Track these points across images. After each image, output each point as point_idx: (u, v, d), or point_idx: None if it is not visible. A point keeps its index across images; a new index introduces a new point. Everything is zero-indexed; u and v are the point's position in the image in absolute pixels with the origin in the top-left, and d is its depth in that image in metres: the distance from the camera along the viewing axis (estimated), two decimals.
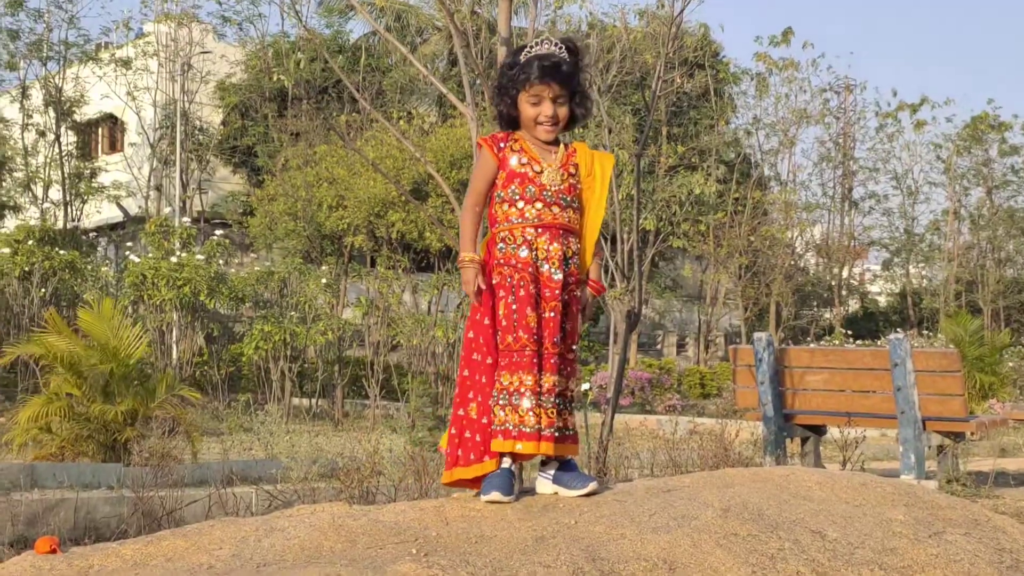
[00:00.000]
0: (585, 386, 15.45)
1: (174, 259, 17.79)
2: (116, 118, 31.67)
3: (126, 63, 28.42)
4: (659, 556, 3.44)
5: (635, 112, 23.26)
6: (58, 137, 27.95)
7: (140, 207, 29.55)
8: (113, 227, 30.65)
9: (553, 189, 3.73)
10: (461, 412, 3.80)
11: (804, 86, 31.06)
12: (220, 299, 18.04)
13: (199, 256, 18.27)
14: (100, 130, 33.08)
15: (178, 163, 28.47)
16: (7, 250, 16.88)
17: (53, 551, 3.58)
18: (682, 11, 8.69)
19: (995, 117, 34.62)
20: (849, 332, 30.09)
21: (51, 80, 27.75)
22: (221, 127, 31.10)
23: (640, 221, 18.72)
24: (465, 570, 3.10)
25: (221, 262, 19.58)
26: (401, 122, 23.31)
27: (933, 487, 7.14)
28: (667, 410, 19.82)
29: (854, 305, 36.60)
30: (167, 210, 28.16)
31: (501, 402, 3.61)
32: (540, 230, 3.70)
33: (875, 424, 9.66)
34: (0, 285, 15.64)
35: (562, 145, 3.87)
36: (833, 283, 34.20)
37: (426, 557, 3.14)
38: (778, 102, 31.09)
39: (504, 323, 3.62)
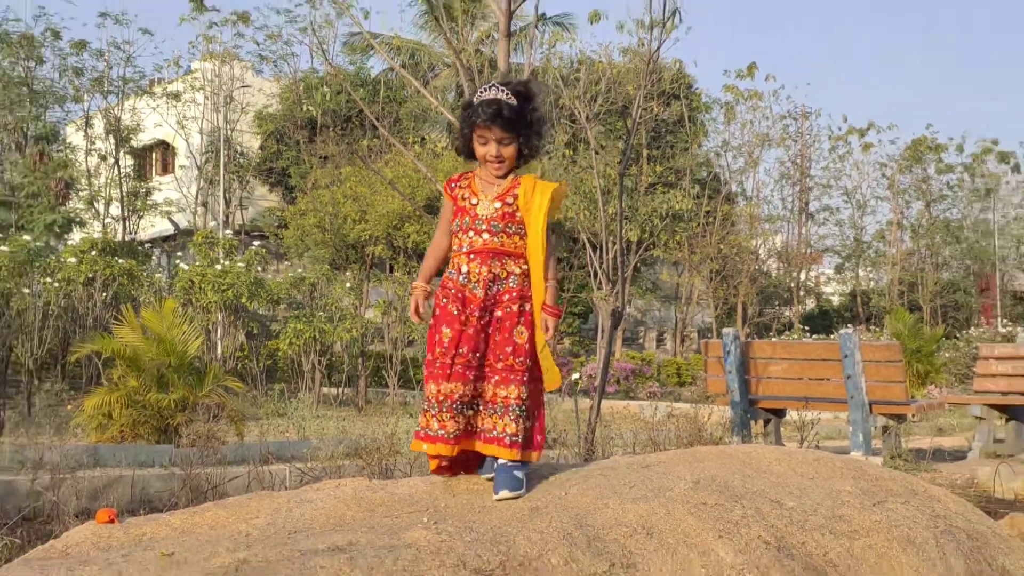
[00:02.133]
0: (575, 376, 15.45)
1: (218, 266, 17.79)
2: (167, 144, 31.69)
3: (176, 96, 28.44)
4: (638, 523, 3.44)
5: (619, 137, 23.25)
6: (117, 161, 27.96)
7: (188, 221, 29.57)
8: (165, 239, 30.66)
9: (484, 217, 3.60)
10: None
11: (766, 113, 31.26)
12: (259, 301, 18.04)
13: (240, 264, 18.28)
14: (153, 154, 33.10)
15: (222, 183, 28.50)
16: (73, 259, 16.87)
17: (111, 521, 3.58)
18: (658, 49, 8.64)
19: (933, 140, 34.69)
20: (806, 327, 30.11)
21: (111, 111, 27.77)
22: (259, 151, 31.11)
23: (624, 232, 18.69)
24: (469, 535, 3.10)
25: (259, 269, 19.59)
26: (415, 146, 23.27)
27: (878, 462, 7.15)
28: (648, 396, 19.79)
29: (810, 304, 36.58)
30: (212, 224, 28.20)
31: (423, 407, 3.55)
32: (472, 256, 3.59)
33: (828, 408, 9.65)
34: (67, 290, 15.62)
35: (509, 178, 3.71)
36: (792, 285, 34.21)
37: (435, 524, 3.14)
38: (744, 127, 31.24)
39: (437, 337, 3.53)
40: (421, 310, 3.69)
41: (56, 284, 15.65)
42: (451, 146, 4.89)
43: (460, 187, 3.71)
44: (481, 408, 3.57)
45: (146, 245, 29.43)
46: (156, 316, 9.58)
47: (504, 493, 3.52)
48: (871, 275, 37.35)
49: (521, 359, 3.54)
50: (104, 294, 16.01)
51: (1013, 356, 9.68)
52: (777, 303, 34.89)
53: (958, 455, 9.63)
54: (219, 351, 17.17)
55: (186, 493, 5.76)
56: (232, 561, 3.07)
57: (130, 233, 28.04)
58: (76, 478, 5.80)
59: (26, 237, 18.23)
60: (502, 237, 3.59)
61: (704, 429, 8.20)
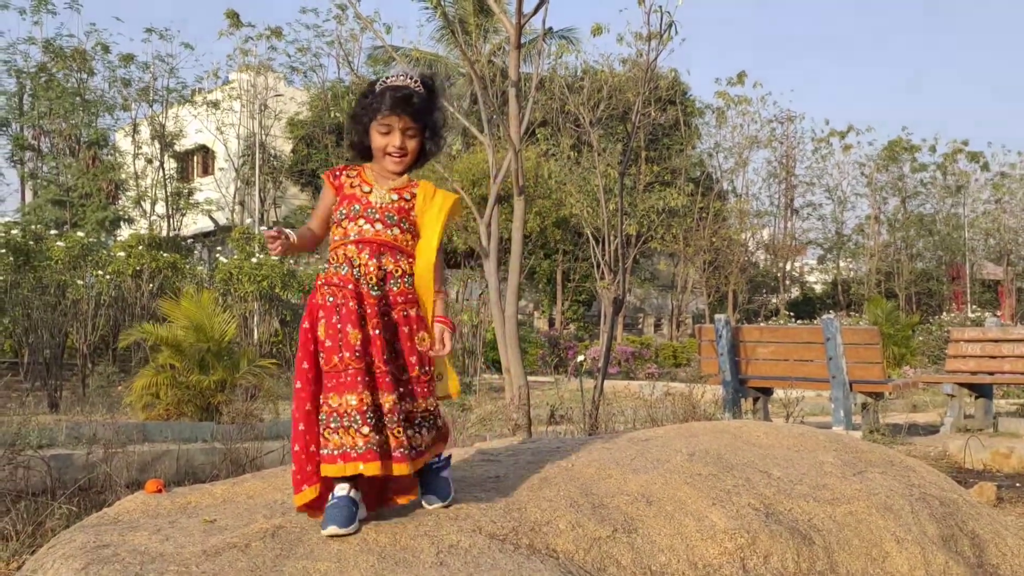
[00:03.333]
0: (580, 358, 15.45)
1: (254, 260, 17.84)
2: (207, 148, 31.72)
3: (215, 104, 28.48)
4: (638, 491, 3.45)
5: (619, 140, 23.21)
6: (162, 164, 28.04)
7: (227, 218, 29.61)
8: (206, 235, 30.73)
9: (378, 206, 2.99)
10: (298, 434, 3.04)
11: (755, 118, 31.23)
12: (291, 291, 18.08)
13: (274, 257, 18.32)
14: (195, 158, 33.14)
15: (257, 183, 28.53)
16: (122, 254, 16.93)
17: (159, 491, 3.60)
18: (655, 59, 8.65)
19: (908, 141, 34.62)
20: (791, 313, 30.07)
21: (156, 119, 27.84)
22: (291, 154, 31.12)
23: (624, 227, 18.65)
24: (484, 504, 3.12)
25: (292, 262, 19.63)
26: None
27: (858, 436, 7.13)
28: (646, 377, 19.77)
29: (795, 292, 36.47)
30: (248, 221, 28.23)
31: (332, 425, 2.84)
32: (361, 246, 2.94)
33: (812, 387, 9.64)
34: (117, 282, 15.68)
35: (405, 177, 3.13)
36: (778, 274, 34.13)
37: (454, 492, 3.16)
38: (734, 131, 31.28)
39: (328, 343, 2.84)
40: (279, 234, 2.92)
41: (107, 276, 15.72)
42: (346, 142, 4.44)
43: (348, 176, 3.10)
44: (387, 422, 2.86)
45: (188, 240, 29.50)
46: (195, 305, 9.60)
47: (436, 504, 3.07)
48: (851, 265, 37.27)
49: (427, 368, 2.95)
50: (151, 285, 16.07)
51: (981, 339, 9.65)
52: (765, 291, 34.84)
53: (931, 430, 9.61)
54: (256, 336, 17.21)
55: (226, 466, 5.79)
56: (269, 527, 3.09)
57: (174, 229, 28.12)
58: (127, 452, 5.83)
59: (79, 234, 18.30)
60: (395, 231, 3.01)
61: (698, 406, 8.20)
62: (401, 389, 2.87)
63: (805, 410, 10.01)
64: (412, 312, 2.95)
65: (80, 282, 15.01)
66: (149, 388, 9.19)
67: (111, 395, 11.38)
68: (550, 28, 27.89)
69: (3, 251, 14.44)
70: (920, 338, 21.59)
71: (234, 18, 27.82)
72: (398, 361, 2.90)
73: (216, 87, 29.72)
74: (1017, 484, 6.55)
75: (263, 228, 23.77)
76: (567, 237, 26.52)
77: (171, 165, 29.50)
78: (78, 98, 26.86)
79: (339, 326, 2.83)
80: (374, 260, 2.92)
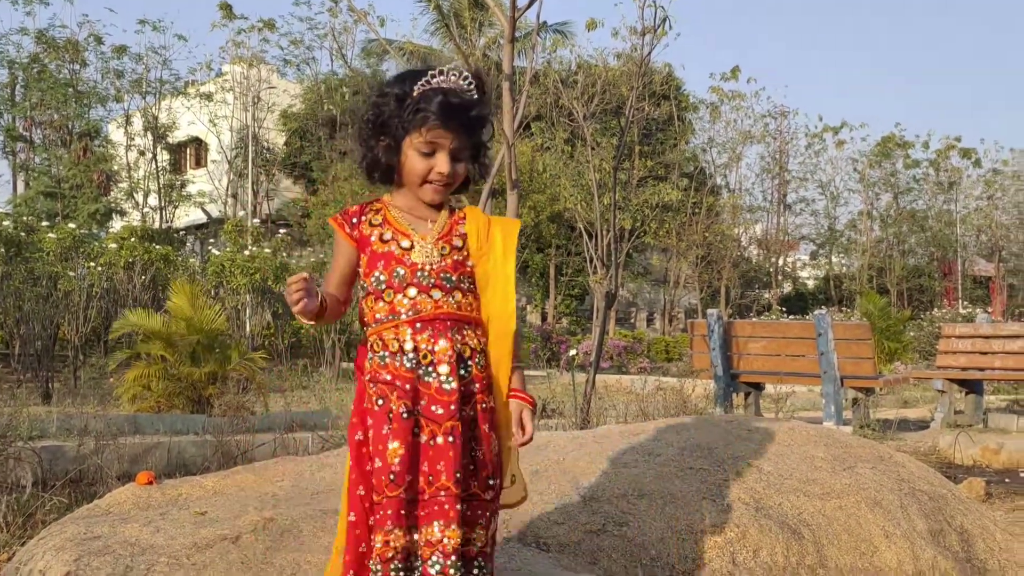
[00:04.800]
0: (572, 352, 15.45)
1: (247, 252, 17.81)
2: (200, 140, 31.63)
3: (208, 97, 28.38)
4: (629, 485, 3.46)
5: (613, 134, 23.21)
6: (155, 155, 27.95)
7: (220, 211, 29.52)
8: (198, 227, 30.66)
9: (429, 268, 2.18)
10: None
11: (748, 113, 31.30)
12: (284, 284, 18.07)
13: (267, 250, 18.31)
14: (188, 150, 33.04)
15: (250, 176, 28.46)
16: (114, 245, 16.89)
17: (150, 483, 3.60)
18: (649, 53, 8.64)
19: (901, 137, 34.65)
20: (783, 309, 30.07)
21: (149, 110, 27.75)
22: (284, 147, 31.06)
23: (618, 221, 18.67)
24: None
25: (284, 254, 19.60)
26: None
27: (848, 431, 7.15)
28: (638, 371, 19.76)
29: (787, 287, 36.49)
30: (241, 213, 28.14)
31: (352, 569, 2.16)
32: (420, 326, 2.16)
33: (803, 382, 9.66)
34: (109, 273, 15.64)
35: (445, 209, 2.30)
36: (771, 270, 34.16)
37: None
38: (727, 126, 31.34)
39: (379, 463, 2.11)
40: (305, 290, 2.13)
41: (99, 268, 15.67)
42: (357, 161, 2.38)
43: (370, 222, 2.28)
44: (459, 562, 2.10)
45: (181, 233, 29.41)
46: (185, 298, 9.58)
47: None
48: (843, 261, 37.32)
49: (495, 481, 2.19)
50: (143, 277, 16.02)
51: (972, 335, 9.68)
52: (757, 286, 34.88)
53: (921, 425, 9.64)
54: (248, 329, 17.18)
55: (218, 458, 5.78)
56: (260, 519, 3.09)
57: (166, 222, 28.03)
58: (118, 444, 5.82)
59: (71, 225, 18.25)
60: (457, 296, 2.21)
61: (689, 401, 8.22)
62: (470, 516, 2.13)
63: (796, 405, 10.03)
64: (489, 404, 2.20)
65: (72, 273, 14.97)
66: (141, 379, 9.16)
67: (102, 387, 11.36)
68: (544, 22, 27.84)
69: None
70: (911, 334, 21.63)
71: (227, 10, 27.75)
72: (476, 475, 2.15)
73: (209, 79, 29.64)
74: (1006, 480, 6.57)
75: (255, 221, 23.74)
76: (561, 231, 26.50)
77: (164, 157, 29.40)
78: (70, 89, 26.75)
79: (377, 440, 2.13)
80: (444, 342, 2.15)
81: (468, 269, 2.23)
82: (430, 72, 2.19)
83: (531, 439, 2.25)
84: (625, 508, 3.31)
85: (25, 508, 3.66)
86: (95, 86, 27.86)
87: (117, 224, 25.28)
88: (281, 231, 23.25)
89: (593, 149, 15.80)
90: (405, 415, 2.10)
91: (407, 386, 2.12)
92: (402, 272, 2.18)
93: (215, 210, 29.90)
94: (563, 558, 3.10)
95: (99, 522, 3.20)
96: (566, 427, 7.48)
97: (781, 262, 35.44)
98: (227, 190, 29.53)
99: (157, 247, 17.59)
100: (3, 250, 14.50)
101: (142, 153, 27.96)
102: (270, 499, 3.33)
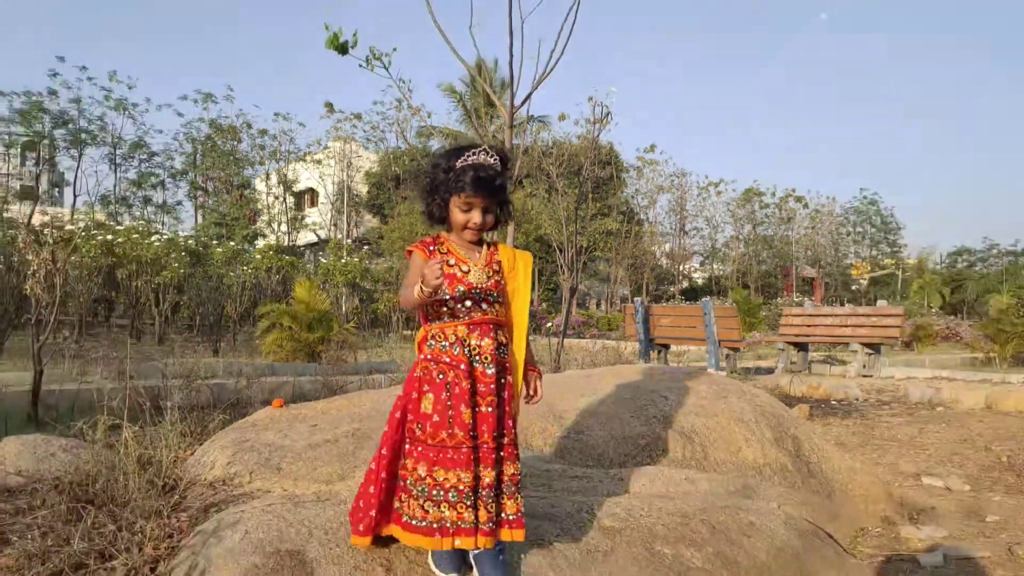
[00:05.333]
0: (548, 325, 15.40)
1: (343, 260, 17.76)
2: (314, 189, 31.47)
3: (318, 162, 28.29)
4: (585, 408, 3.45)
5: (575, 186, 23.18)
6: (285, 199, 27.86)
7: (326, 234, 29.42)
8: (312, 245, 30.56)
9: (481, 287, 2.10)
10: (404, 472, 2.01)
11: (660, 173, 31.32)
12: (367, 281, 18.01)
13: (355, 259, 18.26)
14: (306, 196, 32.88)
15: (345, 212, 28.37)
16: (259, 256, 16.84)
17: (281, 406, 3.59)
18: (598, 135, 8.63)
19: (757, 189, 34.74)
20: (683, 297, 30.07)
21: (281, 171, 27.69)
22: (367, 194, 30.98)
23: (578, 242, 18.58)
24: None
25: (366, 262, 19.56)
26: None
27: (723, 375, 7.16)
28: (591, 337, 19.72)
29: (685, 284, 36.44)
30: (339, 236, 28.08)
31: (435, 497, 1.94)
32: (471, 327, 2.06)
33: (695, 343, 9.67)
34: (255, 274, 15.58)
35: (485, 246, 2.21)
36: (675, 272, 34.16)
37: None
38: (647, 182, 31.35)
39: (437, 418, 1.97)
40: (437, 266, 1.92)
41: (249, 270, 15.63)
42: (423, 208, 2.23)
43: (440, 252, 2.14)
44: (483, 496, 1.97)
45: (301, 248, 29.32)
46: (304, 290, 9.57)
47: None
48: (720, 267, 37.29)
49: (515, 432, 2.10)
50: (277, 276, 15.98)
51: (802, 314, 9.68)
52: (666, 283, 34.85)
53: (769, 371, 9.65)
54: (343, 309, 17.15)
55: (324, 391, 5.78)
56: (350, 429, 3.09)
57: (292, 241, 27.95)
58: (261, 382, 5.82)
59: (231, 243, 18.20)
60: (497, 307, 2.13)
61: (623, 355, 8.23)
62: (502, 455, 2.01)
63: (690, 358, 10.03)
64: (510, 379, 2.09)
65: (232, 274, 14.92)
66: (276, 341, 9.16)
67: (251, 345, 11.34)
68: (532, 115, 27.93)
69: (183, 254, 14.34)
70: (764, 313, 21.61)
71: (330, 107, 27.69)
72: (505, 431, 2.03)
73: (319, 151, 29.55)
74: (822, 406, 6.58)
75: (348, 241, 23.63)
76: (541, 248, 26.48)
77: (290, 200, 29.35)
78: (231, 157, 26.72)
79: (450, 403, 1.97)
80: (487, 339, 2.04)
81: (502, 287, 2.11)
82: (469, 151, 2.07)
83: (541, 397, 2.18)
84: (582, 423, 3.31)
85: (202, 422, 3.66)
86: (246, 155, 27.80)
87: (260, 243, 25.20)
88: (364, 247, 23.19)
89: (563, 196, 15.78)
90: (469, 389, 1.98)
91: (462, 366, 1.99)
92: (462, 288, 2.04)
93: (323, 234, 29.82)
94: (543, 455, 3.10)
95: (248, 431, 3.20)
96: (544, 372, 7.48)
97: (682, 268, 35.45)
98: (331, 221, 29.46)
99: (286, 257, 17.53)
100: (188, 259, 14.45)
101: (276, 198, 27.88)
102: (357, 416, 3.33)
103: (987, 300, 22.30)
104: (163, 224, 27.30)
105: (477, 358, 2.02)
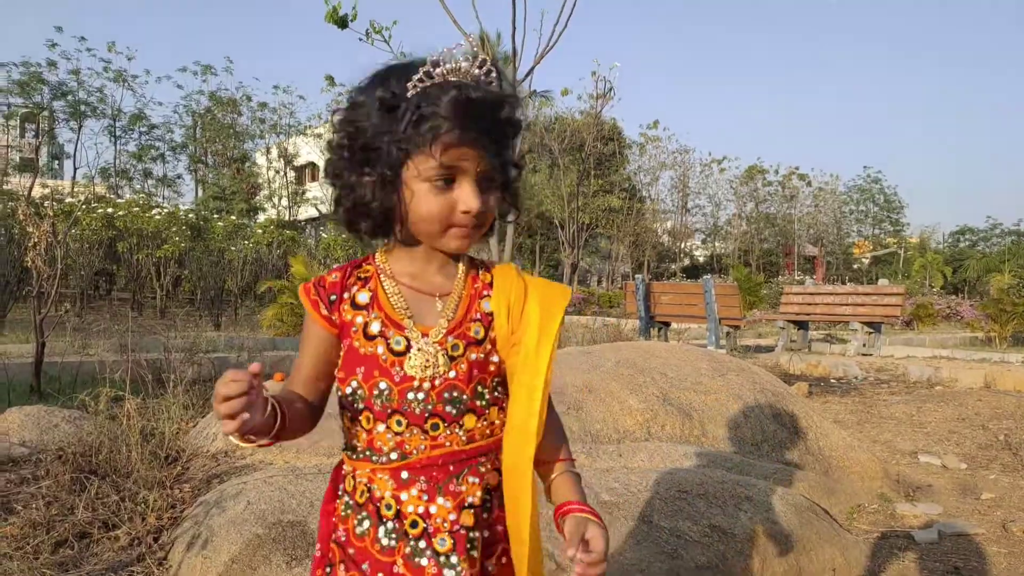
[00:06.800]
0: None
1: (344, 235, 17.76)
2: (315, 163, 31.36)
3: (319, 135, 28.16)
4: (583, 384, 3.46)
5: (578, 163, 23.03)
6: (285, 173, 27.76)
7: (327, 209, 29.39)
8: (313, 219, 30.53)
9: (429, 386, 0.87)
10: None
11: (663, 150, 31.13)
12: (366, 252, 18.06)
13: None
14: (306, 170, 32.74)
15: None
16: (260, 231, 16.82)
17: (282, 380, 3.60)
18: (600, 111, 8.57)
19: (760, 166, 34.57)
20: (684, 275, 30.08)
21: (282, 144, 27.57)
22: None
23: (580, 219, 18.54)
24: None
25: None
26: None
27: (723, 352, 7.17)
28: (591, 314, 19.75)
29: (687, 261, 36.40)
30: None
31: None
32: (407, 476, 0.86)
33: (695, 321, 9.68)
34: (256, 248, 15.58)
35: (460, 268, 0.92)
36: (676, 250, 34.09)
37: None
38: (650, 158, 31.14)
39: None
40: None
41: (250, 245, 15.62)
42: (336, 210, 0.76)
43: (354, 305, 0.94)
44: None
45: (302, 223, 29.29)
46: (301, 264, 9.59)
47: None
48: (722, 245, 37.22)
49: None
50: (278, 251, 15.97)
51: (803, 292, 9.68)
52: (667, 260, 34.81)
53: (769, 349, 9.67)
54: None
55: None
56: None
57: (293, 216, 27.91)
58: (262, 356, 5.83)
59: (232, 218, 18.17)
60: (470, 420, 0.90)
61: (623, 332, 8.24)
62: None
63: (690, 335, 10.05)
64: (506, 558, 0.92)
65: (233, 248, 14.92)
66: (276, 315, 9.18)
67: (252, 320, 11.37)
68: (535, 90, 27.69)
69: (184, 228, 14.33)
70: (765, 291, 21.62)
71: (331, 80, 27.45)
72: None
73: (320, 124, 29.38)
74: (821, 383, 6.61)
75: None
76: (543, 224, 26.40)
77: (291, 174, 29.24)
78: (231, 130, 26.56)
79: None
80: (444, 497, 0.89)
81: (492, 370, 0.92)
82: (429, 61, 0.85)
83: (603, 562, 0.89)
84: (580, 399, 3.32)
85: (203, 395, 3.67)
86: (246, 128, 27.66)
87: (261, 217, 25.17)
88: None
89: (565, 172, 15.69)
90: None
91: (397, 566, 0.87)
92: (387, 390, 0.90)
93: (324, 208, 29.74)
94: None
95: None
96: None
97: (683, 245, 35.37)
98: (331, 196, 29.47)
99: (287, 232, 17.50)
100: (188, 233, 14.44)
101: (277, 172, 27.78)
102: None
103: (989, 279, 22.29)
104: (163, 197, 27.25)
105: (420, 546, 0.88)
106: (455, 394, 0.90)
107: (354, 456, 0.94)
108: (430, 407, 0.89)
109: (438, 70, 0.84)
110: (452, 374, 0.90)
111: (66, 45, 42.92)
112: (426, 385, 0.90)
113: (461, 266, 0.95)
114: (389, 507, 0.89)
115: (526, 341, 0.90)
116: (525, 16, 5.66)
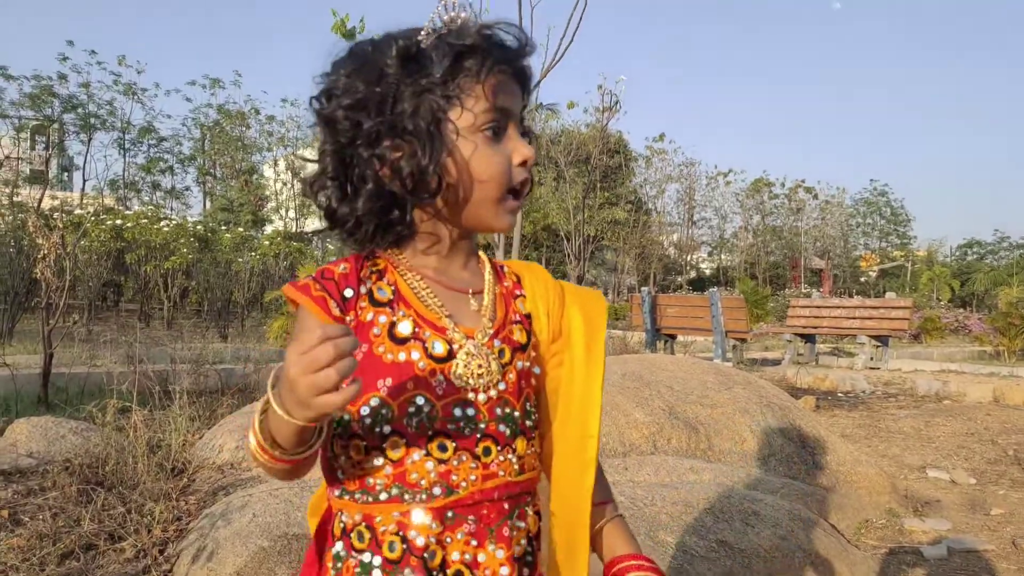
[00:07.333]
0: None
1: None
2: None
3: None
4: None
5: (584, 175, 23.10)
6: (292, 185, 27.95)
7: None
8: (320, 231, 30.44)
9: (486, 395, 0.65)
10: None
11: (669, 163, 31.28)
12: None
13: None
14: None
15: None
16: (267, 242, 16.92)
17: None
18: (607, 124, 8.61)
19: (766, 179, 34.69)
20: (690, 287, 30.05)
21: (289, 156, 27.78)
22: None
23: (586, 231, 18.56)
24: None
25: None
26: None
27: (730, 366, 7.15)
28: None
29: (693, 274, 36.37)
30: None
31: None
32: (452, 515, 0.63)
33: (701, 334, 9.66)
34: (263, 260, 15.66)
35: (485, 262, 0.73)
36: (682, 263, 34.09)
37: None
38: (656, 171, 31.30)
39: None
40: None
41: (257, 256, 15.70)
42: (323, 203, 0.60)
43: (373, 300, 0.69)
44: None
45: (309, 234, 29.44)
46: (304, 272, 9.65)
47: None
48: (729, 258, 37.21)
49: None
50: (284, 262, 16.04)
51: (809, 305, 9.65)
52: (673, 273, 34.79)
53: (776, 362, 9.63)
54: None
55: None
56: None
57: (300, 228, 28.07)
58: (268, 367, 5.83)
59: (239, 229, 18.28)
60: (520, 444, 0.68)
61: (629, 345, 8.22)
62: None
63: (697, 348, 10.02)
64: None
65: (240, 259, 14.99)
66: (283, 327, 9.20)
67: (259, 331, 11.40)
68: (541, 103, 27.77)
69: (192, 239, 14.43)
70: (771, 304, 21.54)
71: None
72: None
73: None
74: (828, 397, 6.57)
75: None
76: (549, 237, 26.44)
77: (298, 186, 29.45)
78: (239, 143, 26.79)
79: None
80: (492, 547, 0.65)
81: (534, 383, 0.74)
82: (434, 15, 0.68)
83: None
84: None
85: (210, 406, 3.68)
86: (254, 140, 27.90)
87: (268, 228, 25.31)
88: None
89: (571, 185, 15.73)
90: None
91: None
92: (426, 406, 0.67)
93: None
94: None
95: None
96: None
97: (689, 258, 35.37)
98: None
99: (294, 243, 17.60)
100: (196, 244, 14.53)
101: (284, 184, 27.97)
102: None
103: (997, 293, 22.18)
104: (171, 209, 27.42)
105: None
106: (507, 410, 0.69)
107: (370, 499, 0.67)
108: (483, 426, 0.67)
109: (463, 20, 0.67)
110: (502, 386, 0.69)
111: (77, 59, 43.63)
112: (481, 397, 0.67)
113: (485, 260, 0.76)
114: (433, 555, 0.63)
115: (574, 351, 0.74)
116: (532, 31, 5.71)
